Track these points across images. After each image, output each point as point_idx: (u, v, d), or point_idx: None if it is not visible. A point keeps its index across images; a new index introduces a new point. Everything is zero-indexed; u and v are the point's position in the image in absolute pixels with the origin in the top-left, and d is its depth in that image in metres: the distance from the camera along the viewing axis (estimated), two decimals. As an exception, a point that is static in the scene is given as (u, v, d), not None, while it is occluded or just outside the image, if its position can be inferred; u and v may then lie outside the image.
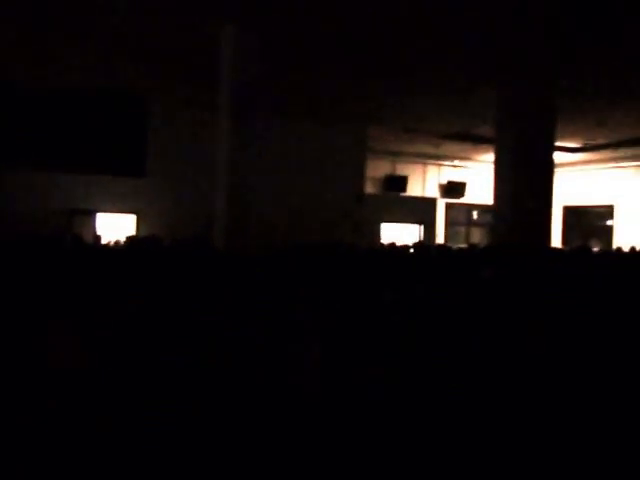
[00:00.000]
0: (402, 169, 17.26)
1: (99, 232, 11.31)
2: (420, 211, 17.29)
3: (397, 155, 16.96)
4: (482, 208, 17.73)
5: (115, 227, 11.74)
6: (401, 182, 16.94)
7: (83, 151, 11.37)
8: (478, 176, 17.39)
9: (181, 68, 9.53)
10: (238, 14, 7.25)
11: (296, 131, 12.43)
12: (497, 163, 8.67)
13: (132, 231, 11.87)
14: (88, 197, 11.68)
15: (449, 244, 15.82)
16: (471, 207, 18.61)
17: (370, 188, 16.06)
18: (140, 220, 12.22)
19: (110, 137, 11.62)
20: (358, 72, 9.47)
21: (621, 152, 15.31)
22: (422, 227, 17.54)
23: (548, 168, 8.38)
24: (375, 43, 8.03)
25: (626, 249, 8.04)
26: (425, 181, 17.75)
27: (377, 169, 16.54)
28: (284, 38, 7.91)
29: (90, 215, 11.85)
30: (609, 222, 17.30)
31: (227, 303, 3.38)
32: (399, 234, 16.20)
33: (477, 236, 18.16)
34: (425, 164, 17.63)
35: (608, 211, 17.29)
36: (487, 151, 13.10)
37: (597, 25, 7.11)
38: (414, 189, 17.43)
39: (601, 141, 14.43)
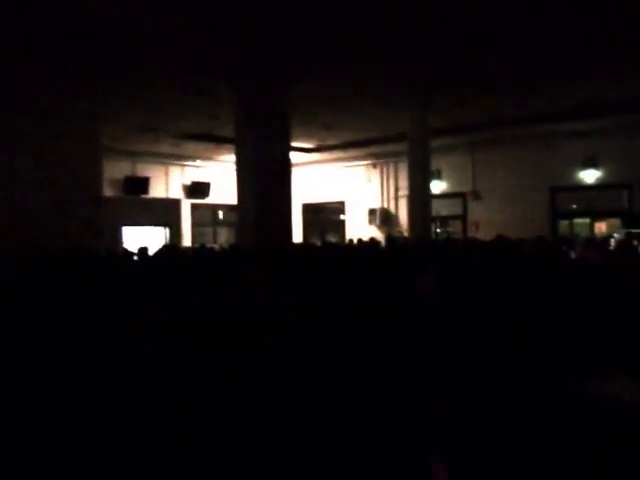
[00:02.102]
0: (143, 170, 16.67)
1: None
2: (164, 213, 16.94)
3: (138, 155, 16.33)
4: (228, 208, 18.02)
5: None
6: (143, 183, 16.35)
7: None
8: (222, 176, 17.62)
9: None
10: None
11: (26, 131, 11.20)
12: (238, 163, 8.82)
13: None
14: None
15: (197, 245, 15.79)
16: (217, 207, 18.79)
17: (110, 191, 15.24)
18: None
19: None
20: (86, 70, 8.88)
21: (349, 153, 16.83)
22: (167, 229, 17.22)
23: (286, 168, 8.76)
24: (103, 40, 7.56)
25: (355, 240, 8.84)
26: (168, 182, 17.39)
27: (116, 170, 15.75)
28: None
29: None
30: (342, 217, 18.91)
31: None
32: (144, 238, 15.70)
33: (224, 236, 18.42)
34: (167, 164, 17.27)
35: (340, 207, 18.89)
36: (230, 151, 13.31)
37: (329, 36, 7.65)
38: (157, 190, 16.96)
39: (331, 142, 15.67)
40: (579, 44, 8.13)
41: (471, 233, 15.36)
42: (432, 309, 3.36)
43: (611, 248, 9.38)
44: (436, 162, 13.99)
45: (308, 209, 19.39)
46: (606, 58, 8.77)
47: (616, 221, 14.18)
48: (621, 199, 13.97)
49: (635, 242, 9.63)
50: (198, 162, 17.53)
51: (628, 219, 11.93)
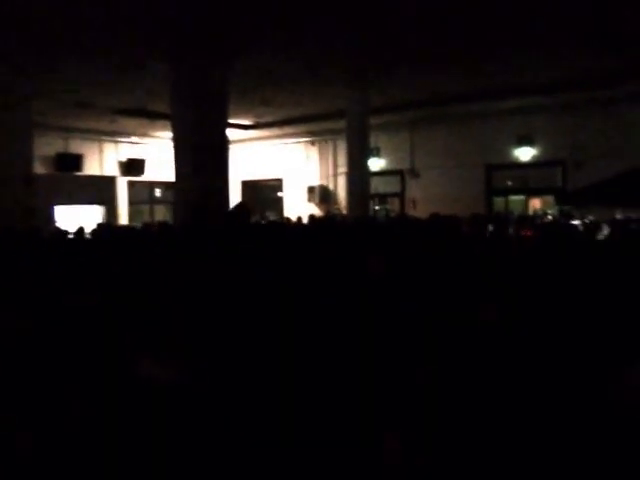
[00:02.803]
0: (76, 146, 16.08)
1: None
2: (99, 191, 16.45)
3: (70, 131, 15.73)
4: (165, 185, 17.64)
5: None
6: (76, 160, 15.78)
7: None
8: (159, 152, 17.20)
9: None
10: None
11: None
12: (175, 140, 8.61)
13: None
14: None
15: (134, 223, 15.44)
16: (153, 184, 18.37)
17: (41, 168, 14.63)
18: None
19: None
20: (14, 43, 8.44)
21: (287, 130, 16.70)
22: (103, 207, 16.77)
23: (223, 145, 8.62)
24: (31, 12, 7.18)
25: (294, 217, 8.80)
26: (103, 159, 16.85)
27: (48, 147, 15.11)
28: None
29: None
30: (280, 194, 18.83)
31: None
32: (79, 216, 15.24)
33: (161, 214, 18.04)
34: (102, 141, 16.71)
35: (278, 184, 18.80)
36: (165, 127, 12.97)
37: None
38: (91, 167, 16.41)
39: (270, 119, 15.50)
40: (515, 24, 8.27)
41: (409, 210, 15.57)
42: (385, 290, 3.36)
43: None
44: (375, 140, 14.07)
45: (247, 186, 19.21)
46: (541, 38, 8.96)
47: (550, 198, 14.65)
48: (555, 176, 14.42)
49: (581, 222, 9.89)
50: (133, 138, 17.04)
51: (561, 196, 12.31)
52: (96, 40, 8.53)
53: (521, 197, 15.29)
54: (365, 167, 12.40)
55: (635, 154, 9.95)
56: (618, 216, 10.20)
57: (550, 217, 11.85)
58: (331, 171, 17.45)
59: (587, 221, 10.10)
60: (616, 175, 8.75)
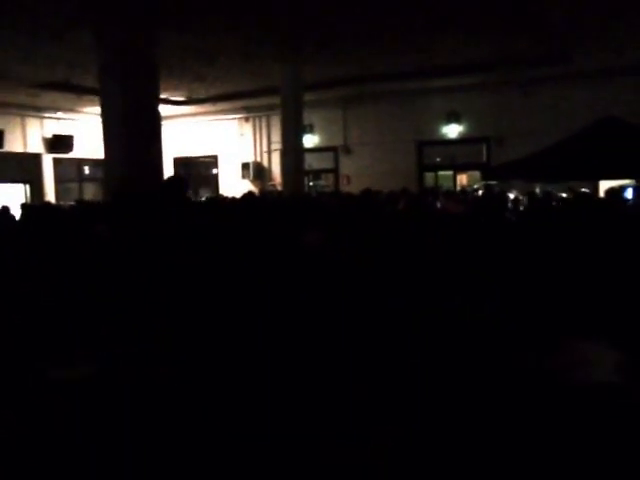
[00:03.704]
0: (-4, 122, 15.37)
1: None
2: (23, 168, 15.82)
3: (-13, 106, 15.01)
4: (94, 162, 17.14)
5: None
6: (-5, 136, 15.11)
7: None
8: (87, 129, 16.67)
9: None
10: None
11: None
12: (104, 116, 8.39)
13: None
14: None
15: (61, 202, 14.98)
16: (82, 162, 17.80)
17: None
18: None
19: None
20: None
21: (221, 106, 16.51)
22: (27, 186, 16.17)
23: (155, 120, 8.48)
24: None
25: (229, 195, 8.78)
26: (26, 135, 16.16)
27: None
28: None
29: None
30: (214, 171, 18.65)
31: None
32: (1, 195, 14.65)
33: (90, 192, 17.56)
34: (24, 116, 15.99)
35: (213, 161, 18.60)
36: (93, 102, 12.56)
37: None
38: (13, 144, 15.72)
39: (202, 95, 15.27)
40: (439, 6, 8.49)
41: (343, 186, 15.78)
42: (324, 265, 3.44)
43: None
44: (308, 116, 14.13)
45: (180, 163, 18.91)
46: (463, 20, 9.24)
47: (476, 173, 15.17)
48: (481, 153, 14.93)
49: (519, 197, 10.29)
50: (59, 114, 16.40)
51: (486, 171, 12.81)
52: (10, 6, 8.14)
53: (449, 172, 15.77)
54: (299, 143, 12.46)
55: (552, 133, 10.47)
56: (537, 190, 10.74)
57: (481, 192, 12.26)
58: (265, 147, 17.41)
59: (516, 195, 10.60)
60: (537, 151, 9.19)
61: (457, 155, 15.48)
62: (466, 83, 13.88)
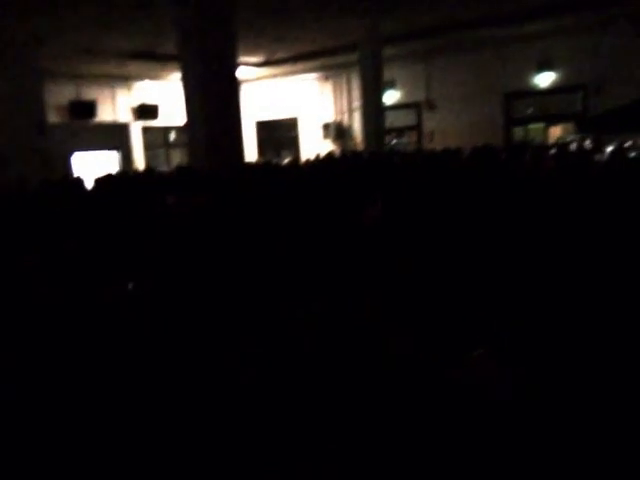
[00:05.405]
0: (89, 93, 15.94)
1: None
2: (114, 137, 16.43)
3: (81, 78, 15.56)
4: (179, 129, 17.53)
5: None
6: (89, 107, 15.69)
7: None
8: (172, 96, 17.02)
9: None
10: None
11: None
12: (184, 82, 8.48)
13: None
14: None
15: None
16: (168, 129, 18.26)
17: (55, 117, 14.60)
18: None
19: None
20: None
21: (300, 66, 16.34)
22: (119, 153, 16.81)
23: (234, 84, 8.48)
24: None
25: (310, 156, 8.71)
26: (115, 105, 16.72)
27: (60, 94, 15.02)
28: None
29: None
30: (295, 133, 18.62)
31: None
32: (95, 163, 15.34)
33: (177, 157, 18.01)
34: (113, 87, 16.53)
35: (293, 123, 18.55)
36: (176, 70, 12.76)
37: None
38: (104, 114, 16.32)
39: (281, 55, 15.16)
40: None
41: (426, 144, 15.33)
42: (377, 241, 3.32)
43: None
44: (389, 72, 13.73)
45: (262, 126, 19.01)
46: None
47: (570, 126, 14.29)
48: (575, 102, 14.02)
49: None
50: (145, 83, 16.83)
51: (582, 123, 11.96)
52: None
53: (540, 125, 14.93)
54: (380, 101, 12.17)
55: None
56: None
57: (574, 145, 11.48)
58: (346, 106, 17.15)
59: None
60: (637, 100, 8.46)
61: (549, 106, 14.61)
62: (559, 26, 12.94)
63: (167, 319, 2.41)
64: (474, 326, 2.06)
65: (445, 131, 14.87)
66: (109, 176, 6.99)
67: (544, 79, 14.05)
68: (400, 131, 16.71)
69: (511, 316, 2.09)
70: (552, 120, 14.85)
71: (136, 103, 17.05)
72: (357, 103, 14.88)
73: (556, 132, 15.14)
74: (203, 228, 3.61)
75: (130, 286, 2.78)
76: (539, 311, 2.11)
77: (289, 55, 15.16)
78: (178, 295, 2.62)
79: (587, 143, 11.37)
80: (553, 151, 9.44)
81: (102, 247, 3.31)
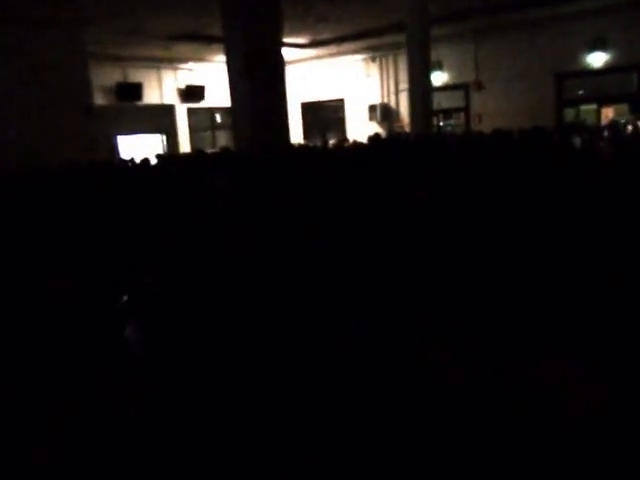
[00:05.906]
0: (135, 75, 16.11)
1: None
2: (160, 119, 16.59)
3: (127, 60, 15.74)
4: (225, 111, 17.59)
5: None
6: (135, 89, 15.86)
7: None
8: (217, 78, 17.07)
9: None
10: None
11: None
12: (229, 64, 8.45)
13: None
14: None
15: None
16: (213, 110, 18.35)
17: (101, 99, 14.81)
18: None
19: None
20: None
21: (345, 47, 16.16)
22: (164, 136, 16.97)
23: (279, 64, 8.41)
24: None
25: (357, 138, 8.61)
26: (162, 87, 16.87)
27: (106, 77, 15.21)
28: None
29: None
30: (341, 115, 18.47)
31: None
32: (141, 145, 15.52)
33: (223, 140, 18.10)
34: (159, 69, 16.68)
35: (339, 104, 18.39)
36: (221, 51, 12.77)
37: None
38: (151, 96, 16.49)
39: (327, 36, 15.00)
40: None
41: (474, 125, 15.00)
42: (422, 223, 3.23)
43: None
44: (436, 52, 13.44)
45: (307, 108, 18.92)
46: None
47: (624, 107, 13.75)
48: (630, 82, 13.48)
49: None
50: (191, 65, 16.93)
51: (637, 104, 11.46)
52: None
53: (593, 106, 14.42)
54: (427, 82, 11.92)
55: None
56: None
57: (629, 127, 11.01)
58: (393, 88, 16.89)
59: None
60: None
61: (602, 86, 14.08)
62: (612, 3, 12.40)
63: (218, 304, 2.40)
64: (538, 323, 1.96)
65: (494, 113, 14.51)
66: (171, 155, 7.06)
67: (597, 58, 13.53)
68: (448, 112, 16.40)
69: (582, 314, 1.98)
70: (605, 101, 14.31)
71: (182, 85, 17.18)
72: (404, 84, 14.64)
73: (608, 113, 14.60)
74: (247, 213, 3.59)
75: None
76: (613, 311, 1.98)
77: (335, 36, 14.99)
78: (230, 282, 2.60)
79: (642, 124, 10.89)
80: (606, 133, 9.09)
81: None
